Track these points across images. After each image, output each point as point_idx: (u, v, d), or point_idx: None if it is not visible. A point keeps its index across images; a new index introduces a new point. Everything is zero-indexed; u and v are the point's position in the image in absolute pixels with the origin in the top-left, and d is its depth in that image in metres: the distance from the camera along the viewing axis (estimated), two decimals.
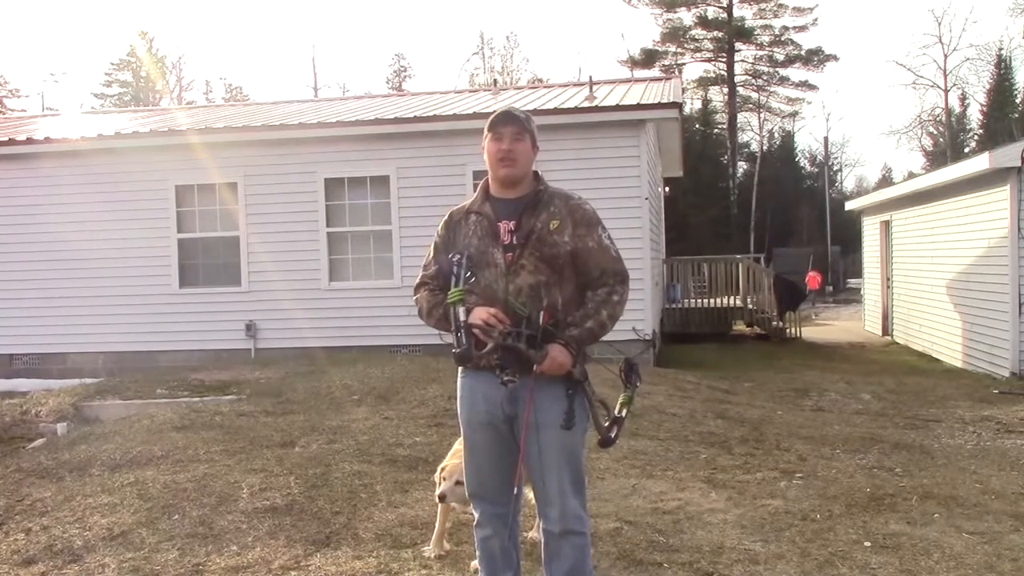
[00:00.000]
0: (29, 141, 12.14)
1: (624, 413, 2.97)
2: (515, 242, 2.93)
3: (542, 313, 2.85)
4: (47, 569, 4.01)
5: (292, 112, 13.64)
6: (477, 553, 3.19)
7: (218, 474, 5.34)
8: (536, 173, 3.08)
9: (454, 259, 2.93)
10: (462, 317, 2.83)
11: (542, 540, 3.02)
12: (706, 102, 45.70)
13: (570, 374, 2.86)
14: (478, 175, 9.75)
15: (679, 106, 11.92)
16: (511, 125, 2.98)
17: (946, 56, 45.42)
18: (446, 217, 3.14)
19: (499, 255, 2.94)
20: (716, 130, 45.37)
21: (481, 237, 2.98)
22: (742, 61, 45.64)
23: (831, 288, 30.32)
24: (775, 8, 44.26)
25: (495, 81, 39.88)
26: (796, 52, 44.91)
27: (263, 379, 9.30)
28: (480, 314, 2.83)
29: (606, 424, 2.96)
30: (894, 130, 68.54)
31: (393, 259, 11.39)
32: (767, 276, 16.38)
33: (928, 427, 7.29)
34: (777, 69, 46.10)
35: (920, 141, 49.97)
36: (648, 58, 44.59)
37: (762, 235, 42.25)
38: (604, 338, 2.94)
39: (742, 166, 47.47)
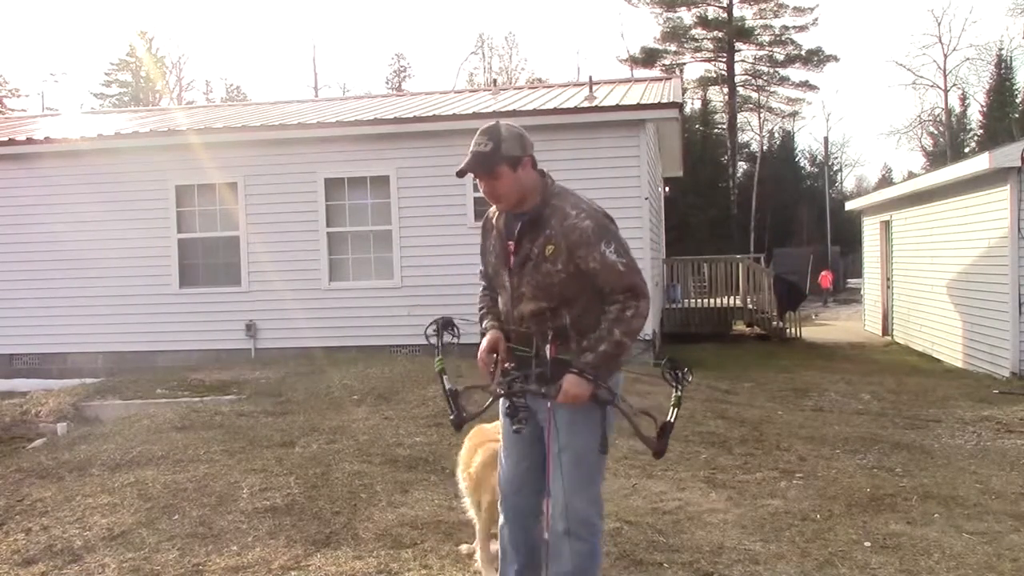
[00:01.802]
0: (29, 141, 12.14)
1: (674, 417, 2.81)
2: (513, 267, 2.91)
3: (548, 346, 2.80)
4: (47, 569, 4.01)
5: (292, 112, 13.63)
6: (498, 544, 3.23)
7: (218, 474, 5.34)
8: (543, 174, 2.94)
9: (428, 331, 3.03)
10: (447, 385, 2.88)
11: (548, 540, 2.99)
12: (706, 102, 45.69)
13: (595, 397, 2.73)
14: None
15: (679, 106, 11.91)
16: (478, 169, 2.83)
17: (946, 56, 45.55)
18: (483, 219, 3.12)
19: (507, 279, 2.94)
20: (716, 130, 45.34)
21: (497, 256, 2.99)
22: (742, 61, 45.66)
23: (831, 288, 30.34)
24: (775, 8, 44.25)
25: (495, 81, 39.91)
26: (796, 52, 44.89)
27: (263, 379, 9.30)
28: (480, 356, 2.89)
29: (654, 435, 2.79)
30: (894, 130, 68.72)
31: (393, 259, 11.40)
32: (767, 276, 16.38)
33: (928, 427, 7.28)
34: (777, 69, 46.08)
35: (920, 141, 50.10)
36: (648, 57, 44.57)
37: (762, 235, 42.24)
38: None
39: (742, 166, 47.45)
